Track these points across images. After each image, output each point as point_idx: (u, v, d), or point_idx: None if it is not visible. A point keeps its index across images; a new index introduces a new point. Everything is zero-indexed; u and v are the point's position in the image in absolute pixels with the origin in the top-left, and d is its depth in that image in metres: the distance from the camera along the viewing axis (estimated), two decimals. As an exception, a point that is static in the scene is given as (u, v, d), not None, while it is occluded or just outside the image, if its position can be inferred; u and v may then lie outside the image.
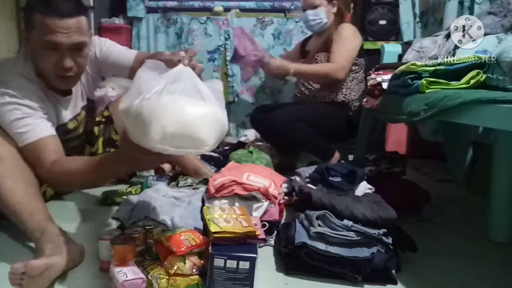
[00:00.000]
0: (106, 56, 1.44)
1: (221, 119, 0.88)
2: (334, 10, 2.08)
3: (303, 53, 2.25)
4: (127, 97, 0.85)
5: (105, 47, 1.44)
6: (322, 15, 2.06)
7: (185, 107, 0.82)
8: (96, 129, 1.68)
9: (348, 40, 2.02)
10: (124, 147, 0.93)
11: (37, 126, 1.17)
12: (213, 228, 0.91)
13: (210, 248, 0.89)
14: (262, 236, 1.13)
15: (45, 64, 1.20)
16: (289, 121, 1.90)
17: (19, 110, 1.16)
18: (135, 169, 1.31)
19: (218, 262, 0.87)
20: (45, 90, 1.27)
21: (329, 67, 1.95)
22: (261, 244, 1.13)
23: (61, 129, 1.37)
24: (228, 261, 0.87)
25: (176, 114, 0.81)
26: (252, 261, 0.88)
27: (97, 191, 1.61)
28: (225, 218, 0.98)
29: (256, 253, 0.89)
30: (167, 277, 0.90)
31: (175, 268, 0.90)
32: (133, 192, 1.55)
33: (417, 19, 2.55)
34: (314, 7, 2.06)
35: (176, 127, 0.80)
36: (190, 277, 0.91)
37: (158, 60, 0.90)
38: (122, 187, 1.63)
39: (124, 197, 1.50)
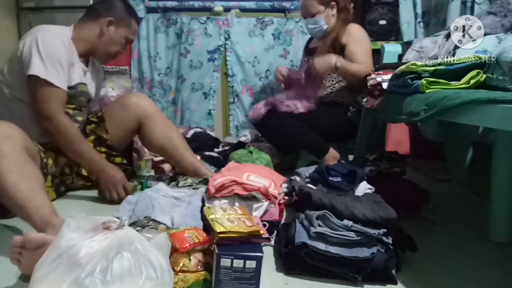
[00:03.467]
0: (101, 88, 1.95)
1: None
2: (333, 12, 2.08)
3: (307, 50, 2.25)
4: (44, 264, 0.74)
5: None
6: (321, 22, 2.06)
7: None
8: (88, 127, 1.72)
9: (365, 42, 2.05)
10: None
11: (65, 76, 1.52)
12: (218, 228, 0.91)
13: (215, 248, 0.89)
14: (266, 235, 1.13)
15: (116, 48, 1.70)
16: (282, 117, 1.91)
17: (61, 52, 1.51)
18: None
19: (225, 262, 0.87)
20: (74, 52, 1.60)
21: (364, 70, 1.91)
22: (262, 244, 1.13)
23: (78, 87, 1.62)
24: (235, 261, 0.87)
25: None
26: (259, 260, 0.88)
27: (95, 192, 1.62)
28: (229, 218, 0.98)
29: (261, 252, 0.89)
30: (174, 273, 0.90)
31: (180, 265, 0.90)
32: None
33: (419, 19, 2.55)
34: (312, 15, 2.06)
35: None
36: (198, 272, 0.91)
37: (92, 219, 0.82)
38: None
39: None
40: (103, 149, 1.69)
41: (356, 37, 2.04)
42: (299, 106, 1.95)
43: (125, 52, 1.78)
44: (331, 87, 2.07)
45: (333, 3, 2.06)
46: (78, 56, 1.62)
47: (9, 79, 1.51)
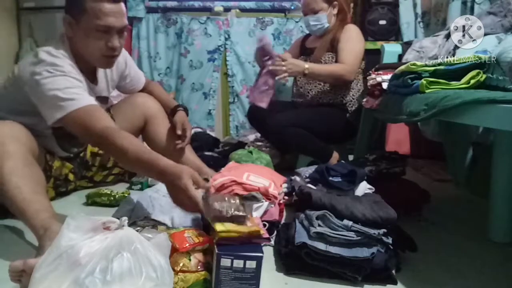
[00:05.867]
0: (130, 67, 1.69)
1: None
2: (335, 11, 2.08)
3: (303, 50, 2.25)
4: (45, 263, 0.74)
5: (130, 59, 1.69)
6: (324, 19, 2.06)
7: None
8: None
9: (356, 42, 2.05)
10: (172, 185, 1.03)
11: (85, 95, 1.25)
12: (218, 227, 0.91)
13: (216, 248, 0.89)
14: (266, 235, 1.13)
15: (95, 46, 1.30)
16: (284, 125, 1.90)
17: (68, 80, 1.23)
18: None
19: (225, 262, 0.87)
20: (79, 72, 1.33)
21: (342, 69, 1.93)
22: (263, 244, 1.13)
23: None
24: (235, 261, 0.87)
25: None
26: (259, 260, 0.88)
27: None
28: None
29: (262, 252, 0.89)
30: (174, 273, 0.90)
31: (180, 265, 0.90)
32: (116, 197, 1.53)
33: (419, 19, 2.55)
34: (315, 12, 2.06)
35: None
36: (198, 272, 0.91)
37: (93, 219, 0.81)
38: (106, 190, 1.57)
39: (104, 198, 1.51)
40: None
41: (349, 35, 2.04)
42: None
43: (115, 42, 1.31)
44: (327, 86, 2.06)
45: (335, 2, 2.06)
46: (83, 74, 1.37)
47: (8, 98, 1.35)
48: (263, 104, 1.88)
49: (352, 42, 2.03)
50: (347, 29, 2.06)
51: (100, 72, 1.52)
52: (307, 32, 2.28)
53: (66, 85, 1.22)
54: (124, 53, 1.59)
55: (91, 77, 1.45)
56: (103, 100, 1.62)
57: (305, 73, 1.91)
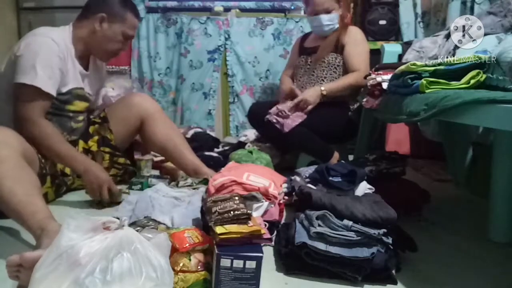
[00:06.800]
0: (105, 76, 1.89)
1: None
2: (340, 12, 2.10)
3: (302, 50, 2.25)
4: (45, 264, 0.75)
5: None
6: (336, 19, 2.08)
7: None
8: (91, 128, 1.73)
9: (363, 45, 2.09)
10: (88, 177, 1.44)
11: (55, 81, 1.46)
12: (219, 230, 0.91)
13: (215, 248, 0.89)
14: (267, 235, 1.13)
15: (114, 46, 1.62)
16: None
17: (52, 59, 1.44)
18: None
19: (225, 262, 0.87)
20: (72, 56, 1.55)
21: (356, 77, 1.96)
22: (262, 244, 1.13)
23: (73, 92, 1.58)
24: (235, 261, 0.87)
25: None
26: (259, 260, 0.88)
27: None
28: None
29: (261, 252, 0.89)
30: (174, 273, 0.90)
31: (180, 265, 0.90)
32: None
33: (419, 19, 2.56)
34: (329, 11, 2.06)
35: None
36: (198, 272, 0.91)
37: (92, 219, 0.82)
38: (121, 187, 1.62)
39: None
40: (107, 149, 1.71)
41: (354, 38, 2.07)
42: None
43: (127, 48, 1.70)
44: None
45: (341, 3, 2.08)
46: (77, 60, 1.57)
47: (5, 81, 1.47)
48: (286, 130, 1.91)
49: (360, 46, 2.07)
50: (351, 32, 2.09)
51: (92, 65, 1.68)
52: (307, 32, 2.29)
53: (48, 62, 1.43)
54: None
55: (85, 63, 1.63)
56: (89, 96, 1.69)
57: (323, 95, 1.96)
